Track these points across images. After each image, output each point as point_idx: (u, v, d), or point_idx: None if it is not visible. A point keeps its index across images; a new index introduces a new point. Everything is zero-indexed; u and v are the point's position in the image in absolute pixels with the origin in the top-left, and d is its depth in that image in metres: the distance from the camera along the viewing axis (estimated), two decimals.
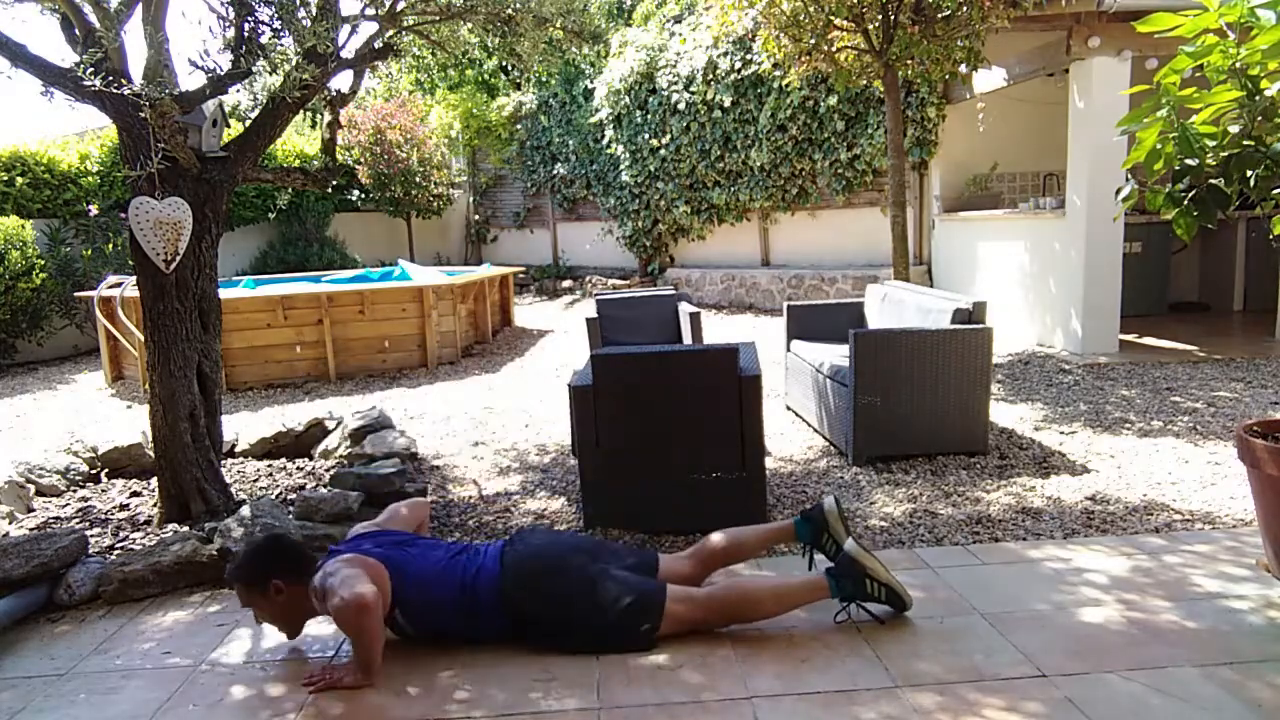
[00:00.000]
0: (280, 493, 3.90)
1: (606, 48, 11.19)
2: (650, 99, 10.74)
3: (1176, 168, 2.42)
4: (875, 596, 2.54)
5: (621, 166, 11.40)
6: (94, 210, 9.56)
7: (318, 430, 4.73)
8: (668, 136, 10.60)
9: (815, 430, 4.86)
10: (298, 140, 12.67)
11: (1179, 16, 2.33)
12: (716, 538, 2.76)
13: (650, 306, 5.67)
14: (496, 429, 5.32)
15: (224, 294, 4.25)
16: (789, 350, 5.29)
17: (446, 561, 2.56)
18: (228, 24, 3.46)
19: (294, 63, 3.42)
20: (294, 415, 5.25)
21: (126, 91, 3.18)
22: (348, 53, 3.85)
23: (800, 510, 3.50)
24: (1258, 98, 2.24)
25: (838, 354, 4.58)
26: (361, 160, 12.40)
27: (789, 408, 5.35)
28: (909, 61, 6.30)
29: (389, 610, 2.46)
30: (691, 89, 10.20)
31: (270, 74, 3.57)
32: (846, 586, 2.54)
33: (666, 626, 2.48)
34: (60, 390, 7.61)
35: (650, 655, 2.44)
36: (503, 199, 14.49)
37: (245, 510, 3.25)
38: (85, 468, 4.31)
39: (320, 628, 2.69)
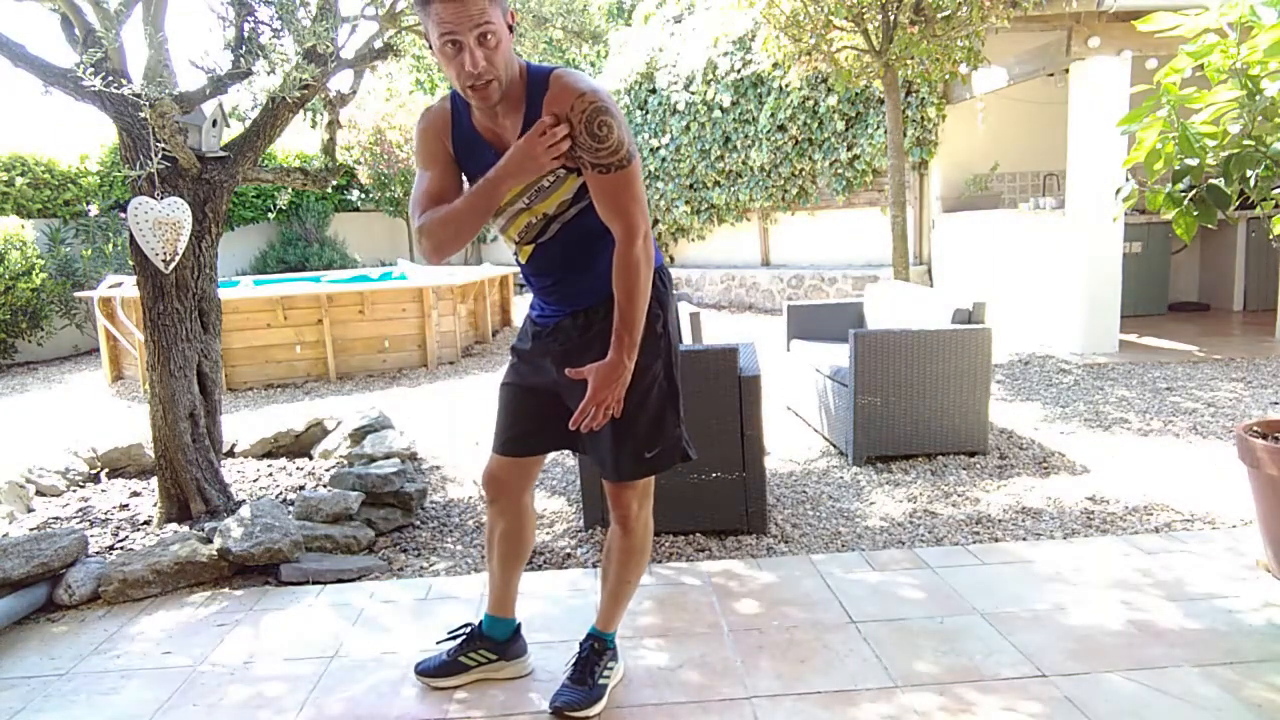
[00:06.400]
0: (280, 493, 3.90)
1: (606, 47, 11.20)
2: (650, 99, 10.74)
3: (1176, 168, 2.42)
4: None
5: None
6: (94, 210, 9.57)
7: (318, 430, 4.73)
8: (667, 136, 10.60)
9: (815, 430, 4.86)
10: (298, 140, 12.67)
11: (1179, 16, 2.33)
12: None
13: None
14: None
15: (224, 294, 4.25)
16: (789, 350, 5.29)
17: None
18: (228, 24, 3.46)
19: (294, 63, 3.42)
20: (294, 415, 5.24)
21: (126, 91, 3.18)
22: (348, 53, 3.85)
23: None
24: (1258, 98, 2.24)
25: (838, 354, 4.58)
26: (361, 160, 12.40)
27: (789, 408, 5.35)
28: (909, 61, 6.30)
29: None
30: (691, 89, 10.20)
31: (270, 74, 3.57)
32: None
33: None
34: (60, 390, 7.60)
35: (650, 655, 2.45)
36: None
37: (245, 510, 3.25)
38: (85, 468, 4.31)
39: (318, 630, 2.70)
